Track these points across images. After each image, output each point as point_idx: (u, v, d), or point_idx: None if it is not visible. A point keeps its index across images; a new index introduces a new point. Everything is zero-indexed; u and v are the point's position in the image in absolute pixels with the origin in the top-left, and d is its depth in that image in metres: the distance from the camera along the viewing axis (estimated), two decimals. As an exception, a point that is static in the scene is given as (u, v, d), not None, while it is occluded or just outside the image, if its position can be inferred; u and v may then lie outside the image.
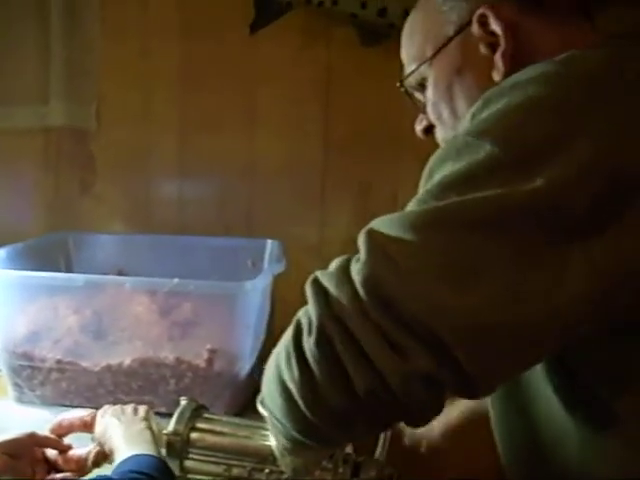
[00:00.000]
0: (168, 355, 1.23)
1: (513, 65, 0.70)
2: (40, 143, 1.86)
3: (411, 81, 0.82)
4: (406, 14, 1.63)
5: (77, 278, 1.27)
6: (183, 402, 0.92)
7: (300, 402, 0.58)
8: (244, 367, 1.24)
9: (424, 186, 0.61)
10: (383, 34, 1.65)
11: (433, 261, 0.55)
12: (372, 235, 0.58)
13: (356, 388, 0.55)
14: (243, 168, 1.80)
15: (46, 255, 1.53)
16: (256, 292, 1.21)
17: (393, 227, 0.57)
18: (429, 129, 0.84)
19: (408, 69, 0.83)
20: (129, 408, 0.95)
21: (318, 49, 1.70)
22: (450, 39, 0.75)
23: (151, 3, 1.79)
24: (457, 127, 0.72)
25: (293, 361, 0.58)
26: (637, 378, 0.60)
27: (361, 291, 0.55)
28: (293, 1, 1.65)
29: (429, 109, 0.81)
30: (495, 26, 0.72)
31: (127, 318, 1.27)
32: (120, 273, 1.51)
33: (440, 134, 0.82)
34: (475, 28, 0.73)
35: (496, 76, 0.72)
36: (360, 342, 0.54)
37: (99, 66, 1.79)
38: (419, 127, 0.85)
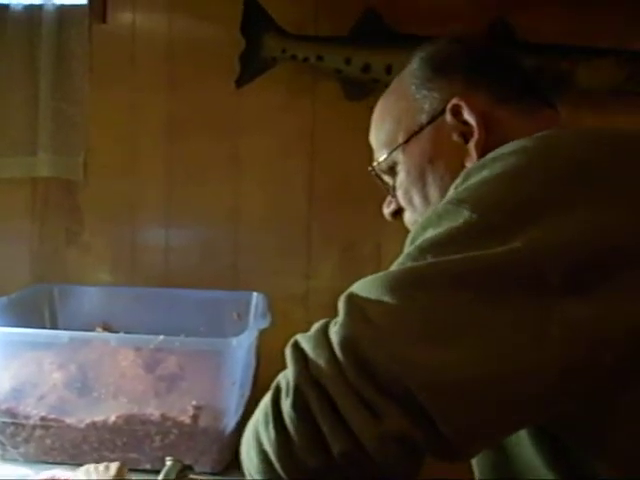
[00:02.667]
0: (153, 411, 1.23)
1: (485, 153, 0.71)
2: (27, 193, 1.87)
3: (382, 165, 0.84)
4: (389, 70, 1.70)
5: (62, 335, 1.27)
6: (169, 463, 0.92)
7: (276, 464, 0.57)
8: (230, 423, 1.24)
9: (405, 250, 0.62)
10: (367, 89, 1.70)
11: (409, 320, 0.55)
12: (351, 298, 0.58)
13: (332, 450, 0.54)
14: (229, 219, 1.81)
15: (31, 308, 1.52)
16: (242, 348, 1.21)
17: (371, 289, 0.57)
18: (397, 212, 0.86)
19: (379, 154, 0.84)
20: (101, 466, 0.95)
21: (303, 103, 1.74)
22: (423, 127, 0.78)
23: (139, 56, 1.82)
24: (426, 211, 0.75)
25: (270, 423, 0.58)
26: (620, 439, 0.59)
27: (338, 353, 0.55)
28: (278, 56, 1.69)
29: (399, 193, 0.83)
30: (468, 116, 0.75)
31: (112, 373, 1.27)
32: (105, 326, 1.51)
33: (409, 218, 0.84)
34: (448, 117, 0.76)
35: (468, 164, 0.74)
36: (336, 404, 0.54)
37: (87, 118, 1.81)
38: (387, 210, 0.87)
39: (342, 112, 1.72)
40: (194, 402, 1.22)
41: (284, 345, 1.70)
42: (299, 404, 0.56)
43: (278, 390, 0.59)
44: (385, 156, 0.83)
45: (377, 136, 0.86)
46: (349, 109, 1.70)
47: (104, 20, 1.81)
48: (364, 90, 1.70)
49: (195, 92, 1.79)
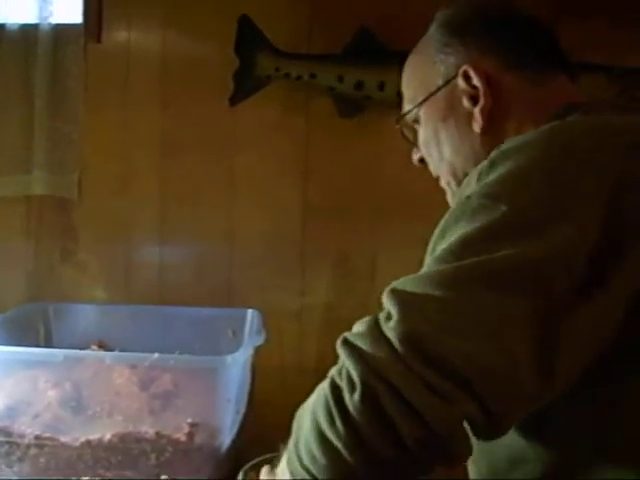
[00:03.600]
0: (148, 429, 1.23)
1: (491, 119, 0.80)
2: (22, 211, 1.87)
3: (406, 119, 0.90)
4: (382, 87, 1.71)
5: (57, 353, 1.27)
6: (164, 483, 0.92)
7: (350, 458, 0.59)
8: (225, 440, 1.24)
9: (438, 244, 0.65)
10: (360, 106, 1.71)
11: (462, 316, 0.58)
12: (399, 294, 0.61)
13: (405, 438, 0.57)
14: (223, 237, 1.82)
15: (26, 326, 1.53)
16: (236, 365, 1.21)
17: (420, 285, 0.60)
18: (423, 159, 0.92)
19: (406, 108, 0.91)
20: None
21: (297, 120, 1.75)
22: (439, 88, 0.84)
23: (133, 75, 1.83)
24: (443, 167, 0.86)
25: (337, 420, 0.59)
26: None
27: (400, 348, 0.58)
28: (272, 75, 1.71)
29: (421, 146, 0.90)
30: (477, 82, 0.80)
31: (107, 391, 1.27)
32: (100, 344, 1.51)
33: (431, 167, 0.91)
34: (460, 82, 0.82)
35: (476, 128, 0.81)
36: (404, 395, 0.57)
37: (82, 136, 1.82)
38: (414, 157, 0.94)
39: (335, 129, 1.73)
40: (189, 420, 1.23)
41: (279, 361, 1.72)
42: (368, 398, 0.58)
43: (337, 388, 0.61)
44: (407, 111, 0.89)
45: (405, 91, 0.91)
46: (342, 126, 1.72)
47: (99, 39, 1.83)
48: (357, 107, 1.71)
49: (189, 110, 1.80)
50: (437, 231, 0.67)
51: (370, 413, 0.58)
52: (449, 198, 0.91)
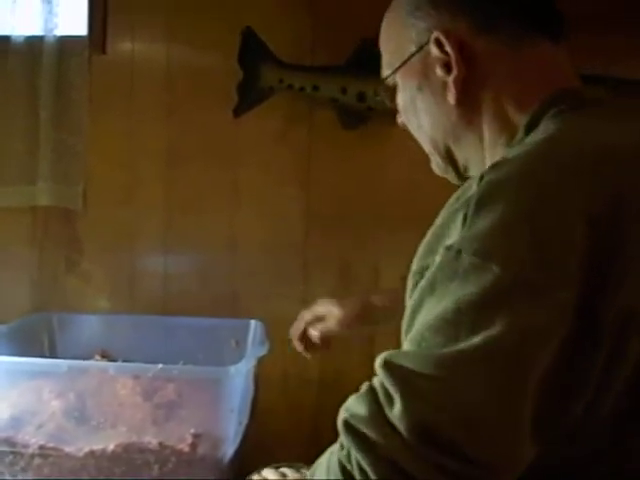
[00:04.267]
0: (152, 440, 1.23)
1: (465, 89, 0.75)
2: (27, 222, 1.88)
3: (388, 82, 0.86)
4: (384, 99, 1.72)
5: (61, 363, 1.28)
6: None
7: None
8: (228, 451, 1.24)
9: (427, 295, 0.63)
10: (362, 117, 1.72)
11: (467, 402, 0.58)
12: (397, 372, 0.61)
13: None
14: (227, 247, 1.83)
15: (30, 336, 1.53)
16: (240, 376, 1.22)
17: (419, 364, 0.60)
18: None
19: (384, 72, 0.87)
20: None
21: (300, 131, 1.76)
22: (412, 55, 0.79)
23: (138, 86, 1.84)
24: (423, 137, 0.83)
25: None
26: None
27: (411, 439, 0.57)
28: (275, 86, 1.72)
29: (401, 111, 0.86)
30: (448, 49, 0.75)
31: (111, 402, 1.27)
32: (104, 354, 1.51)
33: (413, 133, 0.86)
34: (432, 49, 0.76)
35: (450, 99, 0.76)
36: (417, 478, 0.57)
37: (86, 147, 1.83)
38: (399, 120, 0.88)
39: (338, 140, 1.74)
40: (192, 430, 1.23)
41: (282, 371, 1.73)
42: None
43: (351, 477, 0.61)
44: (384, 77, 0.86)
45: (383, 55, 0.87)
46: (345, 137, 1.73)
47: (104, 51, 1.84)
48: (359, 119, 1.72)
49: (193, 121, 1.82)
50: (414, 275, 0.67)
51: None
52: (434, 167, 0.88)
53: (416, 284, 0.66)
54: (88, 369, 1.30)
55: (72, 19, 1.83)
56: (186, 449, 1.22)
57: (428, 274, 0.64)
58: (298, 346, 1.26)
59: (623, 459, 0.65)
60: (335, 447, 0.66)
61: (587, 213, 0.60)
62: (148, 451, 1.22)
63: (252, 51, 1.73)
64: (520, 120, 0.74)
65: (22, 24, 1.81)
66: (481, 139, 0.78)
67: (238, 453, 1.27)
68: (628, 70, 1.73)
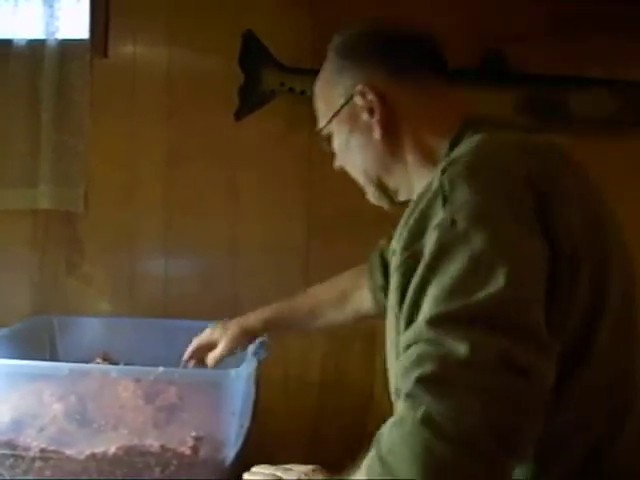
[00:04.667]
0: (153, 443, 1.23)
1: (387, 127, 0.92)
2: (28, 224, 1.89)
3: (322, 134, 1.01)
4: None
5: (62, 366, 1.28)
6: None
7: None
8: (229, 454, 1.24)
9: (442, 260, 0.73)
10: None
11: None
12: (440, 380, 0.67)
13: None
14: (228, 249, 1.83)
15: (31, 339, 1.53)
16: (241, 379, 1.22)
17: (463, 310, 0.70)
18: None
19: (320, 124, 1.01)
20: None
21: (301, 134, 1.76)
22: (342, 107, 0.95)
23: (139, 89, 1.85)
24: (358, 172, 0.98)
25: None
26: None
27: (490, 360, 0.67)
28: (276, 89, 1.72)
29: (337, 155, 1.02)
30: (371, 97, 0.92)
31: (112, 405, 1.27)
32: (105, 357, 1.51)
33: (349, 172, 1.02)
34: (358, 99, 0.93)
35: (376, 136, 0.93)
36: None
37: (87, 150, 1.83)
38: (336, 164, 1.03)
39: (339, 143, 1.74)
40: (194, 433, 1.23)
41: (283, 374, 1.72)
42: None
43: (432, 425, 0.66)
44: (321, 128, 1.00)
45: (317, 109, 1.03)
46: (346, 140, 1.73)
47: (105, 54, 1.85)
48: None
49: (194, 124, 1.82)
50: (415, 223, 0.78)
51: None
52: (370, 197, 1.03)
53: (408, 269, 0.77)
54: (89, 372, 1.30)
55: (74, 23, 1.84)
56: (187, 452, 1.22)
57: (426, 252, 0.74)
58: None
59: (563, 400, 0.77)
60: (383, 433, 0.70)
61: (527, 180, 0.77)
62: (149, 454, 1.22)
63: (253, 54, 1.73)
64: (440, 144, 0.90)
65: (24, 28, 1.82)
66: (406, 167, 0.94)
67: (239, 456, 1.27)
68: (636, 73, 1.74)
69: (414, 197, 0.86)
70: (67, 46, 1.81)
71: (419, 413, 0.66)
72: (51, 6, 1.81)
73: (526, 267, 0.73)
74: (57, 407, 1.28)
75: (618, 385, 0.83)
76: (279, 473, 1.04)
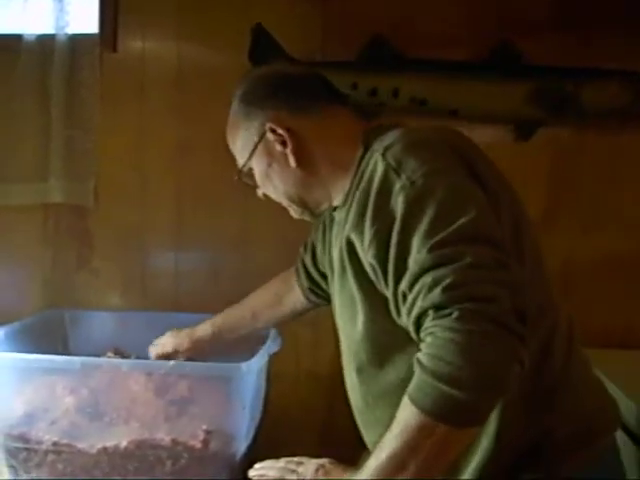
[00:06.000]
0: (164, 436, 1.24)
1: (300, 154, 1.04)
2: (39, 219, 1.89)
3: (243, 171, 1.13)
4: (395, 94, 1.72)
5: (74, 360, 1.28)
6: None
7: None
8: (240, 448, 1.25)
9: (404, 230, 0.86)
10: (374, 113, 1.71)
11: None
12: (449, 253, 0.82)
13: None
14: (238, 243, 1.83)
15: (43, 333, 1.54)
16: (252, 373, 1.22)
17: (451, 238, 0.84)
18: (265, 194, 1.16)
19: (239, 165, 1.13)
20: None
21: (311, 128, 1.76)
22: (256, 145, 1.08)
23: (148, 84, 1.85)
24: (280, 196, 1.11)
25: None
26: None
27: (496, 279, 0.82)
28: (286, 83, 1.71)
29: (260, 186, 1.14)
30: (281, 131, 1.05)
31: (123, 398, 1.28)
32: (116, 351, 1.52)
33: (273, 198, 1.14)
34: (269, 135, 1.06)
35: (292, 163, 1.05)
36: None
37: (97, 144, 1.83)
38: (259, 192, 1.16)
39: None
40: (205, 427, 1.23)
41: (294, 368, 1.72)
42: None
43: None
44: (241, 167, 1.12)
45: (234, 152, 1.14)
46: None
47: (115, 49, 1.85)
48: (371, 114, 1.71)
49: (204, 118, 1.81)
50: (406, 206, 0.87)
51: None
52: (293, 213, 1.15)
53: (381, 239, 0.87)
54: (101, 366, 1.30)
55: (83, 17, 1.83)
56: (198, 446, 1.23)
57: (397, 213, 0.87)
58: None
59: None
60: (422, 358, 0.79)
61: (452, 148, 0.94)
62: (160, 448, 1.23)
63: (262, 48, 1.73)
64: (352, 152, 1.02)
65: (34, 23, 1.82)
66: (323, 181, 1.06)
67: (250, 449, 1.28)
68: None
69: (334, 203, 1.07)
70: (77, 41, 1.80)
71: (455, 315, 0.77)
72: (61, 1, 1.81)
73: (481, 200, 0.88)
74: (69, 401, 1.29)
75: (545, 308, 0.97)
76: (292, 466, 1.05)
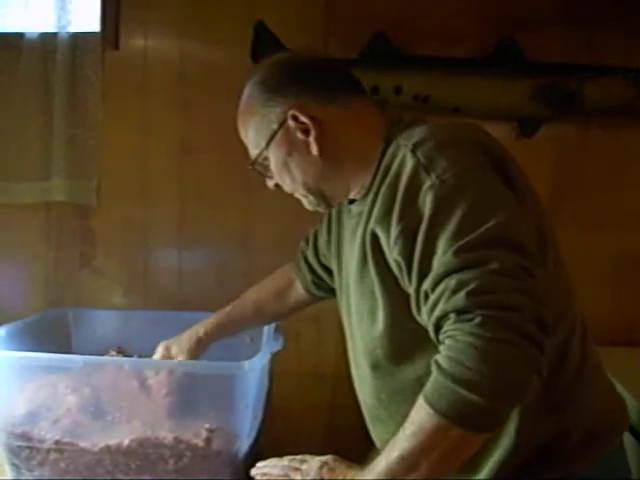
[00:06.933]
0: (167, 435, 1.23)
1: (323, 142, 1.01)
2: (41, 218, 1.89)
3: (257, 162, 1.09)
4: (398, 91, 1.71)
5: (76, 359, 1.28)
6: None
7: None
8: (243, 446, 1.24)
9: (431, 228, 0.85)
10: (376, 110, 1.71)
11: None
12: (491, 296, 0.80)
13: None
14: (241, 241, 1.83)
15: (46, 332, 1.54)
16: (254, 371, 1.21)
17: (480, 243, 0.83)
18: (277, 184, 1.11)
19: (252, 154, 1.09)
20: None
21: (313, 125, 1.75)
22: (275, 132, 1.03)
23: (151, 82, 1.85)
24: (297, 187, 1.06)
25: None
26: None
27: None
28: (289, 80, 1.71)
29: (275, 177, 1.09)
30: (304, 119, 1.01)
31: (126, 397, 1.27)
32: (119, 350, 1.52)
33: (286, 189, 1.10)
34: (291, 123, 1.02)
35: (314, 152, 1.01)
36: None
37: (100, 143, 1.83)
38: (270, 183, 1.12)
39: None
40: (207, 425, 1.23)
41: (296, 367, 1.71)
42: None
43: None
44: (255, 156, 1.08)
45: (247, 142, 1.11)
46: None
47: (117, 46, 1.85)
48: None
49: (207, 115, 1.81)
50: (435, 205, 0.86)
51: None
52: (307, 205, 1.11)
53: (407, 237, 0.87)
54: (103, 364, 1.30)
55: (85, 16, 1.84)
56: (201, 444, 1.22)
57: (425, 211, 0.86)
58: None
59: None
60: (441, 360, 0.79)
61: (483, 149, 0.92)
62: (163, 446, 1.23)
63: (265, 45, 1.72)
64: (374, 146, 1.00)
65: (36, 21, 1.82)
66: (344, 173, 1.04)
67: (253, 448, 1.27)
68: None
69: (352, 196, 1.05)
70: (79, 39, 1.80)
71: (477, 320, 0.77)
72: (62, -1, 1.81)
73: (510, 203, 0.87)
74: (71, 399, 1.29)
75: (565, 310, 0.97)
76: (295, 464, 1.04)
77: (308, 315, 1.74)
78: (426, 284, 0.84)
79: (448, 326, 0.80)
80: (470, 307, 0.78)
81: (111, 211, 1.86)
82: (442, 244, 0.84)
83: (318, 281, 1.32)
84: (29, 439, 1.27)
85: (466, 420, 0.77)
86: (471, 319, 0.78)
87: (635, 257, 1.84)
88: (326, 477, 0.98)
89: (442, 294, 0.81)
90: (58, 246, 1.90)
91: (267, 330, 1.44)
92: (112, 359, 1.42)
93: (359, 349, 1.08)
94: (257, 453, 1.29)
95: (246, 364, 1.18)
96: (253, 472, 1.09)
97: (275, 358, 1.38)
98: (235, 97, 1.76)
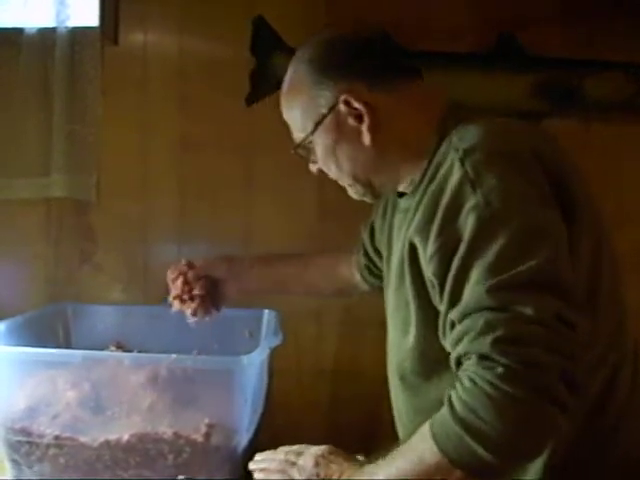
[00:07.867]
0: (166, 430, 1.23)
1: (376, 132, 0.96)
2: (41, 214, 1.89)
3: (301, 146, 1.04)
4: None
5: (76, 354, 1.28)
6: (181, 483, 0.93)
7: None
8: (242, 441, 1.24)
9: (484, 243, 0.80)
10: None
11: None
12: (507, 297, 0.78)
13: None
14: (241, 237, 1.82)
15: (45, 327, 1.54)
16: (253, 366, 1.21)
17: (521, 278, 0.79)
18: (321, 170, 1.07)
19: (296, 137, 1.05)
20: None
21: (313, 120, 1.75)
22: (325, 116, 0.98)
23: (150, 77, 1.85)
24: (343, 175, 1.02)
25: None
26: None
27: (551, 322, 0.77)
28: (288, 75, 1.71)
29: (320, 163, 1.04)
30: (357, 105, 0.95)
31: (125, 392, 1.27)
32: (118, 345, 1.51)
33: (331, 176, 1.06)
34: (342, 108, 0.96)
35: (366, 141, 0.96)
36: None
37: (99, 138, 1.83)
38: (314, 168, 1.07)
39: (352, 129, 1.73)
40: (206, 420, 1.23)
41: (296, 361, 1.71)
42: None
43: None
44: (300, 140, 1.03)
45: (290, 122, 1.06)
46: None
47: (116, 42, 1.85)
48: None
49: (207, 111, 1.81)
50: (474, 231, 0.82)
51: None
52: (352, 194, 1.07)
53: (444, 255, 0.83)
54: (103, 360, 1.30)
55: (84, 10, 1.84)
56: (200, 439, 1.22)
57: (465, 234, 0.81)
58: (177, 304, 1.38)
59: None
60: (455, 396, 0.77)
61: (538, 159, 0.86)
62: (162, 441, 1.22)
63: (264, 40, 1.72)
64: (427, 137, 0.95)
65: (35, 16, 1.82)
66: (395, 164, 0.99)
67: (252, 443, 1.27)
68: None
69: (401, 189, 1.01)
70: (78, 34, 1.80)
71: (499, 371, 0.74)
72: (61, -6, 1.81)
73: (557, 238, 0.82)
74: (71, 394, 1.28)
75: (615, 336, 0.93)
76: (292, 458, 1.04)
77: (308, 311, 1.75)
78: (454, 313, 0.81)
79: (469, 366, 0.77)
80: (494, 355, 0.75)
81: (111, 207, 1.86)
82: (477, 273, 0.79)
83: (372, 265, 1.29)
84: (28, 434, 1.27)
85: (469, 468, 0.76)
86: (493, 368, 0.74)
87: (636, 252, 1.83)
88: (322, 474, 0.98)
89: (468, 331, 0.78)
90: (57, 242, 1.89)
91: (266, 325, 1.43)
92: (111, 354, 1.42)
93: (391, 356, 1.06)
94: (256, 448, 1.29)
95: (245, 359, 1.18)
96: (251, 466, 1.09)
97: (275, 354, 1.38)
98: (234, 92, 1.77)
